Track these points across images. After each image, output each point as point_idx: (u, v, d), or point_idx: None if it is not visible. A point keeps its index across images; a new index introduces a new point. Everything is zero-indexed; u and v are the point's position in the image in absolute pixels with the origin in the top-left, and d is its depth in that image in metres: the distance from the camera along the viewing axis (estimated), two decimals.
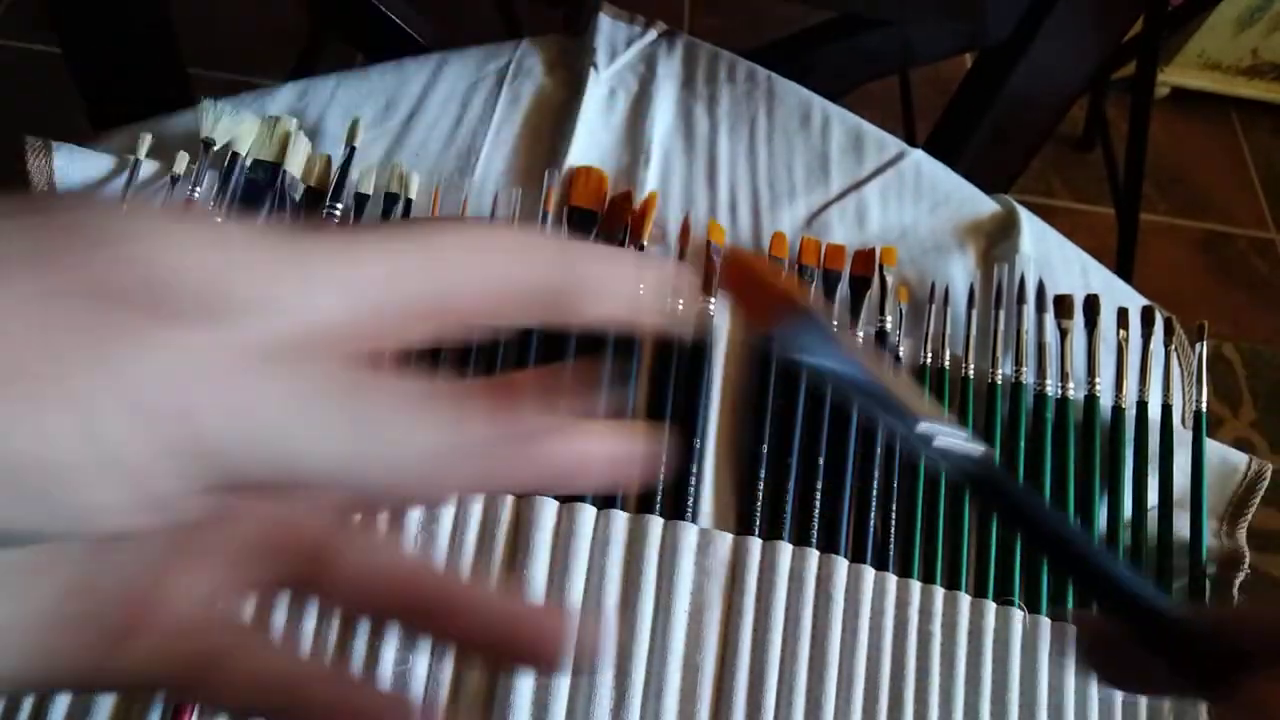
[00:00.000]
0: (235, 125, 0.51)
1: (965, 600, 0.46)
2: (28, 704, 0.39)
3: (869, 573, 0.46)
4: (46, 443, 0.13)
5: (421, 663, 0.42)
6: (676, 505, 0.46)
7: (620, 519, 0.45)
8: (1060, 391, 0.52)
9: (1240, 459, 0.53)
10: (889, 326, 0.52)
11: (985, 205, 0.61)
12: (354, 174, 0.52)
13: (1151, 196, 1.51)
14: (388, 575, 0.20)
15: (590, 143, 0.57)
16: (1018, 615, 0.46)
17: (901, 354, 0.52)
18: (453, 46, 0.61)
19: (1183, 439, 0.52)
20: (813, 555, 0.46)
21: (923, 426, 0.19)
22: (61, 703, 0.39)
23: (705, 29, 1.54)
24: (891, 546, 0.48)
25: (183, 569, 0.19)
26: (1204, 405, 0.53)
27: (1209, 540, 0.50)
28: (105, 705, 0.39)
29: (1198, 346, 0.55)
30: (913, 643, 0.45)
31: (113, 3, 0.65)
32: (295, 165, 0.51)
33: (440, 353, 0.47)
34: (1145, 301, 0.58)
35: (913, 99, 1.32)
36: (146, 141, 0.50)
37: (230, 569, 0.19)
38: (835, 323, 0.21)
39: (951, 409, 0.51)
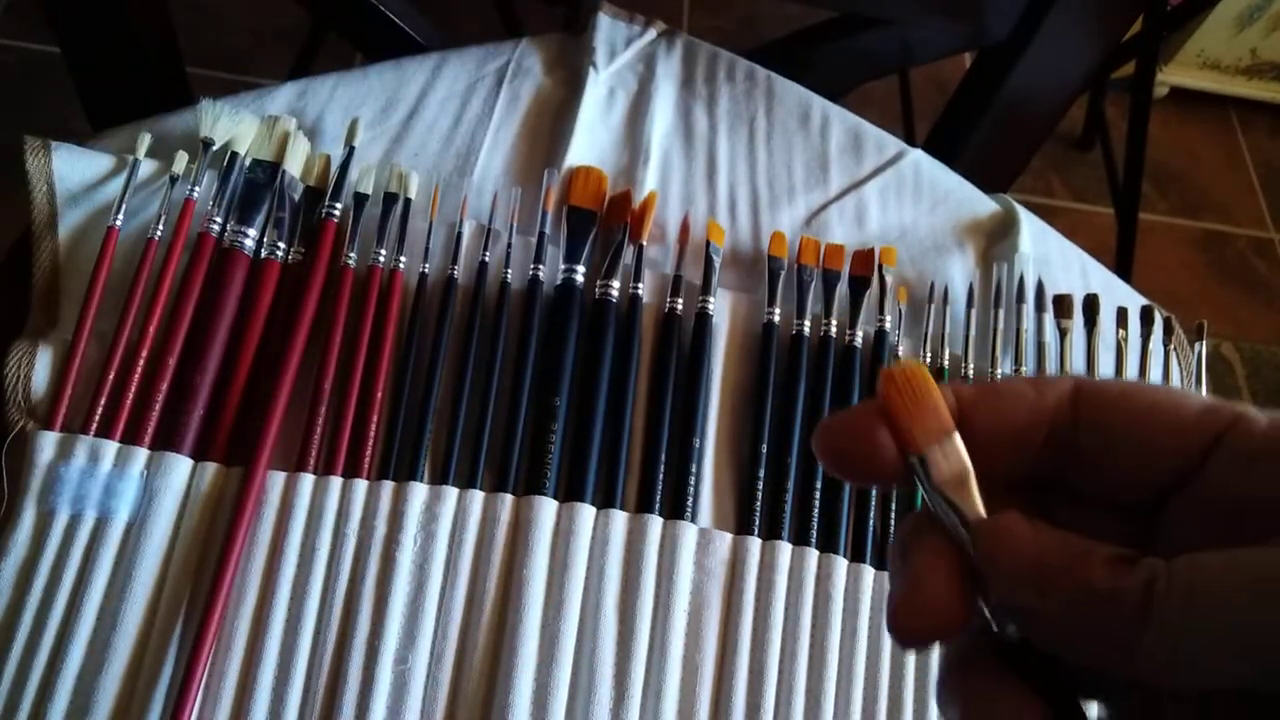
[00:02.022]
0: (234, 125, 0.51)
1: None
2: (28, 703, 0.39)
3: (868, 572, 0.46)
4: None
5: (421, 662, 0.42)
6: (676, 504, 0.46)
7: (620, 518, 0.45)
8: None
9: None
10: (888, 326, 0.52)
11: (984, 205, 0.61)
12: (353, 173, 0.52)
13: (1151, 196, 1.51)
14: None
15: (589, 142, 0.57)
16: None
17: (901, 354, 0.52)
18: (452, 46, 0.61)
19: None
20: (812, 555, 0.46)
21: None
22: (62, 701, 0.39)
23: (705, 29, 1.54)
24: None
25: None
26: None
27: None
28: (105, 705, 0.39)
29: (1197, 346, 0.55)
30: None
31: (113, 3, 0.65)
32: (294, 165, 0.51)
33: (440, 351, 0.47)
34: (1144, 301, 0.58)
35: (913, 99, 1.32)
36: (145, 141, 0.50)
37: None
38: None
39: None
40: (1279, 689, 0.15)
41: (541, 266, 0.50)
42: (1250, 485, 0.17)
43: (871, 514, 0.48)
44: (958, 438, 0.19)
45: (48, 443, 0.42)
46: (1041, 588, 0.17)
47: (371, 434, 0.45)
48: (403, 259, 0.49)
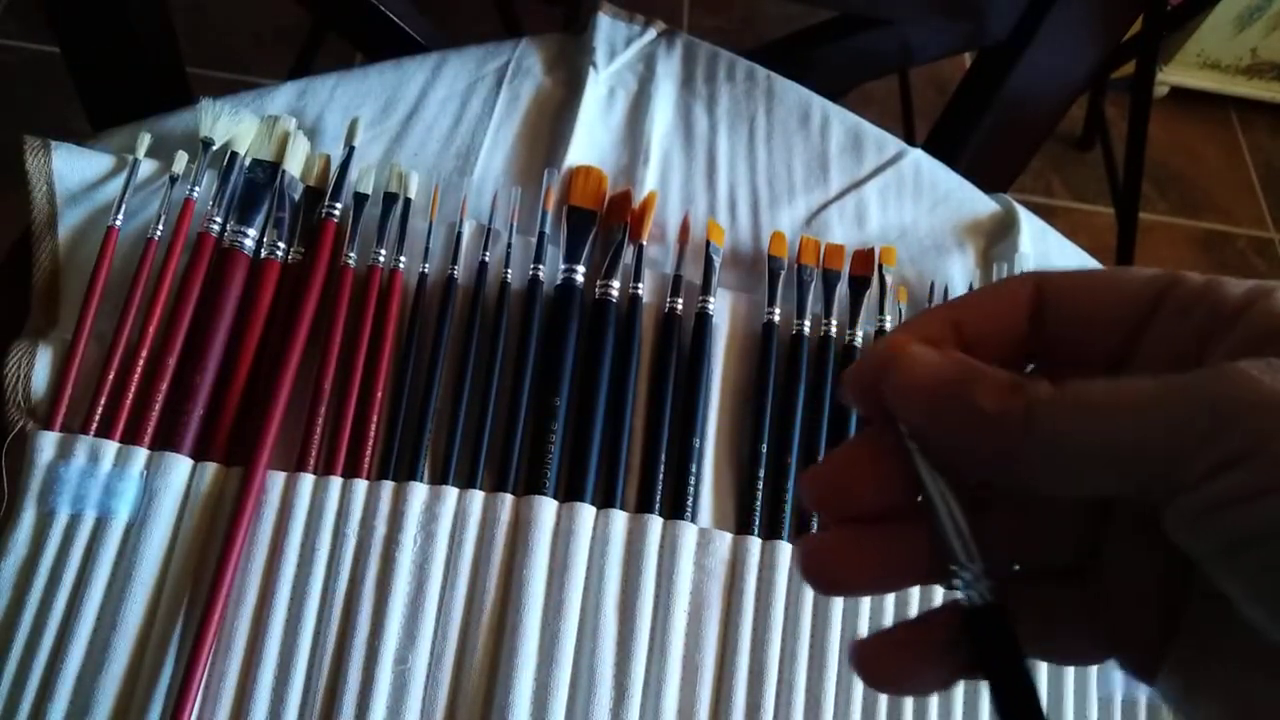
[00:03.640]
0: (234, 125, 0.51)
1: None
2: (28, 703, 0.39)
3: None
4: None
5: (421, 663, 0.42)
6: (676, 504, 0.46)
7: (619, 518, 0.45)
8: None
9: None
10: (888, 326, 0.52)
11: (984, 204, 0.61)
12: (353, 173, 0.52)
13: (1151, 196, 1.51)
14: None
15: (589, 142, 0.57)
16: None
17: None
18: (452, 46, 0.61)
19: None
20: None
21: (955, 567, 0.20)
22: (61, 702, 0.39)
23: (705, 28, 1.54)
24: None
25: None
26: None
27: None
28: (105, 705, 0.39)
29: None
30: None
31: (113, 3, 0.65)
32: (294, 165, 0.51)
33: (440, 351, 0.47)
34: None
35: (913, 99, 1.32)
36: (145, 141, 0.50)
37: None
38: None
39: None
40: (1136, 495, 0.18)
41: (541, 266, 0.50)
42: (1185, 331, 0.19)
43: None
44: None
45: (47, 443, 0.42)
46: (933, 410, 0.20)
47: (371, 434, 0.45)
48: (403, 259, 0.49)
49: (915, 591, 0.46)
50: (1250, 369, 0.16)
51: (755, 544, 0.46)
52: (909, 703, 0.44)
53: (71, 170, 0.49)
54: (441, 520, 0.44)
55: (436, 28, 0.75)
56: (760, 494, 0.47)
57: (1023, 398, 0.18)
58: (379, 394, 0.46)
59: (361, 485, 0.44)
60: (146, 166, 0.50)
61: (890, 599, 0.46)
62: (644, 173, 0.57)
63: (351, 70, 0.58)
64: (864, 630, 0.45)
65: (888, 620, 0.45)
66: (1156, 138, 1.34)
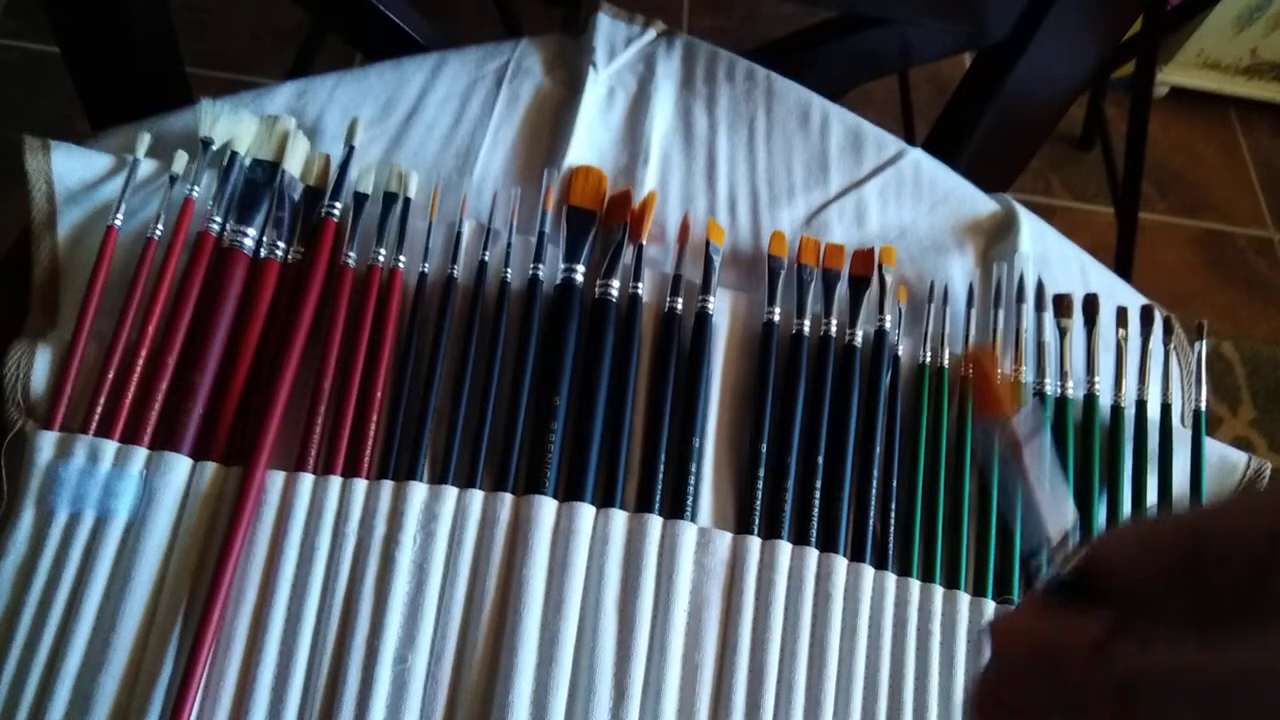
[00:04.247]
0: (234, 124, 0.51)
1: (964, 599, 0.46)
2: (27, 703, 0.39)
3: (868, 571, 0.46)
4: None
5: (420, 662, 0.42)
6: (675, 504, 0.46)
7: (619, 518, 0.45)
8: (1059, 391, 0.52)
9: (1239, 458, 0.53)
10: (888, 326, 0.52)
11: (984, 204, 0.61)
12: (353, 173, 0.52)
13: (1150, 195, 1.51)
14: None
15: (589, 142, 0.57)
16: None
17: (901, 353, 0.52)
18: (451, 46, 0.61)
19: (1182, 438, 0.52)
20: (812, 554, 0.46)
21: (1050, 539, 0.24)
22: (61, 701, 0.39)
23: (705, 28, 1.54)
24: (890, 545, 0.48)
25: None
26: (1203, 404, 0.53)
27: None
28: (105, 705, 0.39)
29: (1197, 345, 0.55)
30: (912, 641, 0.45)
31: (113, 3, 0.65)
32: (294, 164, 0.51)
33: (439, 351, 0.47)
34: (1144, 300, 0.58)
35: (912, 99, 1.32)
36: (145, 141, 0.50)
37: None
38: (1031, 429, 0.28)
39: (951, 408, 0.51)
40: None
41: (541, 266, 0.50)
42: None
43: (871, 514, 0.48)
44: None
45: (47, 442, 0.42)
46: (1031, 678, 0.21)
47: (371, 433, 0.45)
48: (402, 258, 0.49)
49: (915, 590, 0.46)
50: None
51: (755, 543, 0.46)
52: (909, 702, 0.44)
53: (71, 170, 0.49)
54: (441, 520, 0.44)
55: (437, 28, 0.75)
56: (760, 494, 0.47)
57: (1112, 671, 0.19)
58: (378, 393, 0.46)
59: (361, 485, 0.44)
60: (146, 166, 0.50)
61: (889, 604, 0.46)
62: (644, 172, 0.57)
63: (351, 70, 0.58)
64: (863, 631, 0.45)
65: (887, 621, 0.45)
66: (1156, 138, 1.35)
